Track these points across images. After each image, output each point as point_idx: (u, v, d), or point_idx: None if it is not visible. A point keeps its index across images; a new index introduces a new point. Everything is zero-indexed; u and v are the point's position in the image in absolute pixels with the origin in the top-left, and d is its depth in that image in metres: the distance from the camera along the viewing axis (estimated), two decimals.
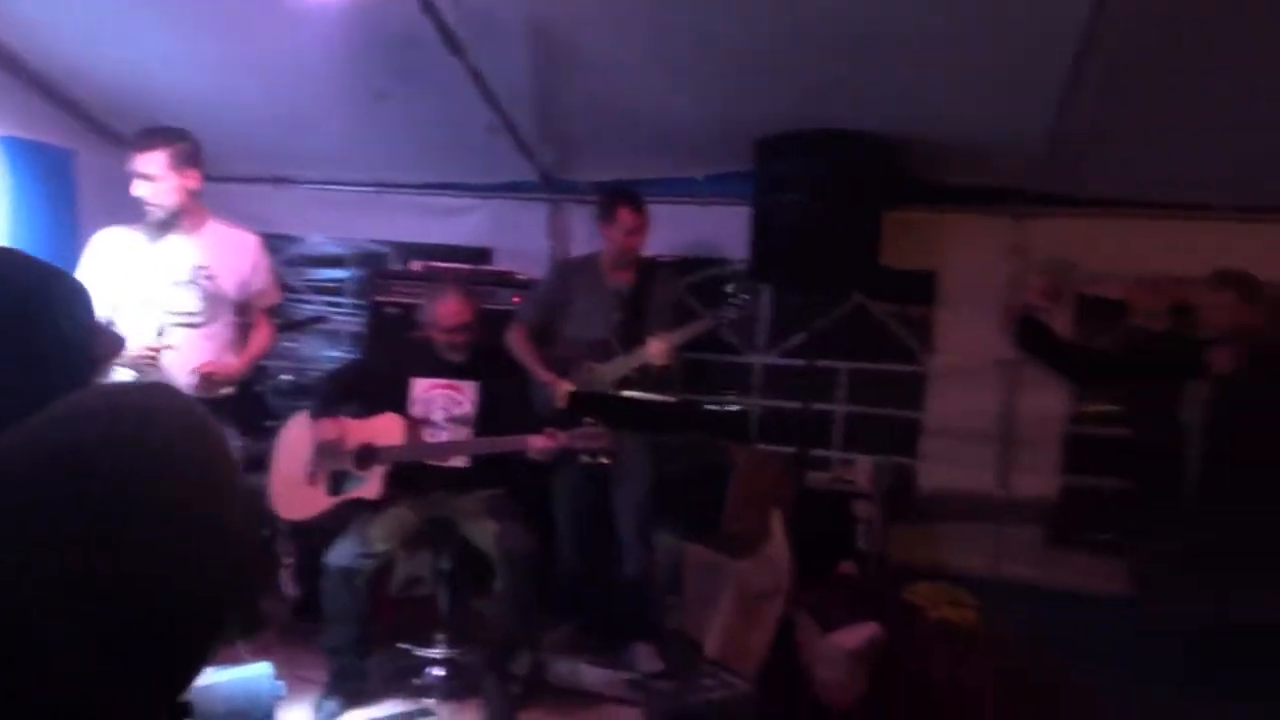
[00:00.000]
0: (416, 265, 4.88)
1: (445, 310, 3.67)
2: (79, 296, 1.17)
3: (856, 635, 3.60)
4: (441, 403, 3.70)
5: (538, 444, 3.42)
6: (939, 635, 3.81)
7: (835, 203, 4.14)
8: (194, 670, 0.76)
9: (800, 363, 4.53)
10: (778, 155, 4.25)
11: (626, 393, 3.97)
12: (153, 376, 3.13)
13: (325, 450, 3.53)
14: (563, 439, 3.46)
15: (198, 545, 0.74)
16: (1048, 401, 4.32)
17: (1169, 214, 4.19)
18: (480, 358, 3.79)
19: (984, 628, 3.86)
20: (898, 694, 3.60)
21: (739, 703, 3.41)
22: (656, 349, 3.82)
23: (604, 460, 3.60)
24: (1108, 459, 4.27)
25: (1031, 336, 4.15)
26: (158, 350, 3.24)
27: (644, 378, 3.96)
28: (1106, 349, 4.32)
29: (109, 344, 2.99)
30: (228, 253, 3.51)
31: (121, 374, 3.14)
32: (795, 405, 4.38)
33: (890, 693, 3.58)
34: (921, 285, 4.55)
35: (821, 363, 4.47)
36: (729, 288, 4.28)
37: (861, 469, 4.34)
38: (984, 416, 4.35)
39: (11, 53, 4.27)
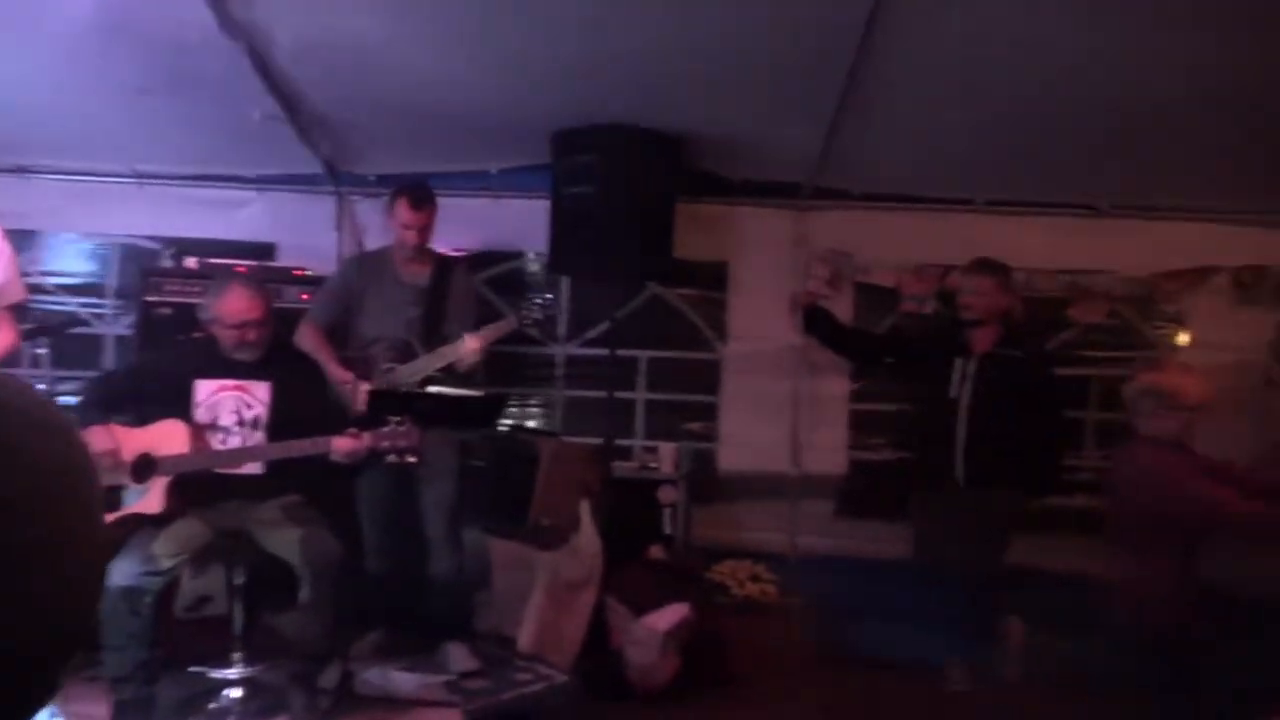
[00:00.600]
0: (191, 262, 4.53)
1: (232, 306, 3.42)
2: None
3: (667, 617, 3.68)
4: (231, 405, 3.45)
5: (343, 445, 3.27)
6: (743, 610, 3.98)
7: (629, 195, 4.22)
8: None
9: (602, 352, 4.59)
10: (574, 149, 4.27)
11: (430, 389, 3.87)
12: None
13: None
14: (368, 439, 3.32)
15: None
16: (834, 383, 4.60)
17: (934, 208, 4.56)
18: (272, 357, 3.56)
19: (784, 599, 4.07)
20: (708, 670, 3.72)
21: (556, 694, 3.40)
22: (469, 348, 3.74)
23: (410, 459, 3.48)
24: (888, 433, 4.61)
25: (815, 322, 4.40)
26: None
27: (447, 373, 3.87)
28: (882, 332, 4.66)
29: None
30: None
31: None
32: (599, 394, 4.43)
33: (700, 670, 3.69)
34: (714, 275, 4.71)
35: (622, 352, 4.55)
36: (531, 282, 4.28)
37: (665, 454, 4.45)
38: (777, 399, 4.58)
39: None
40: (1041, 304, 4.61)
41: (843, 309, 4.56)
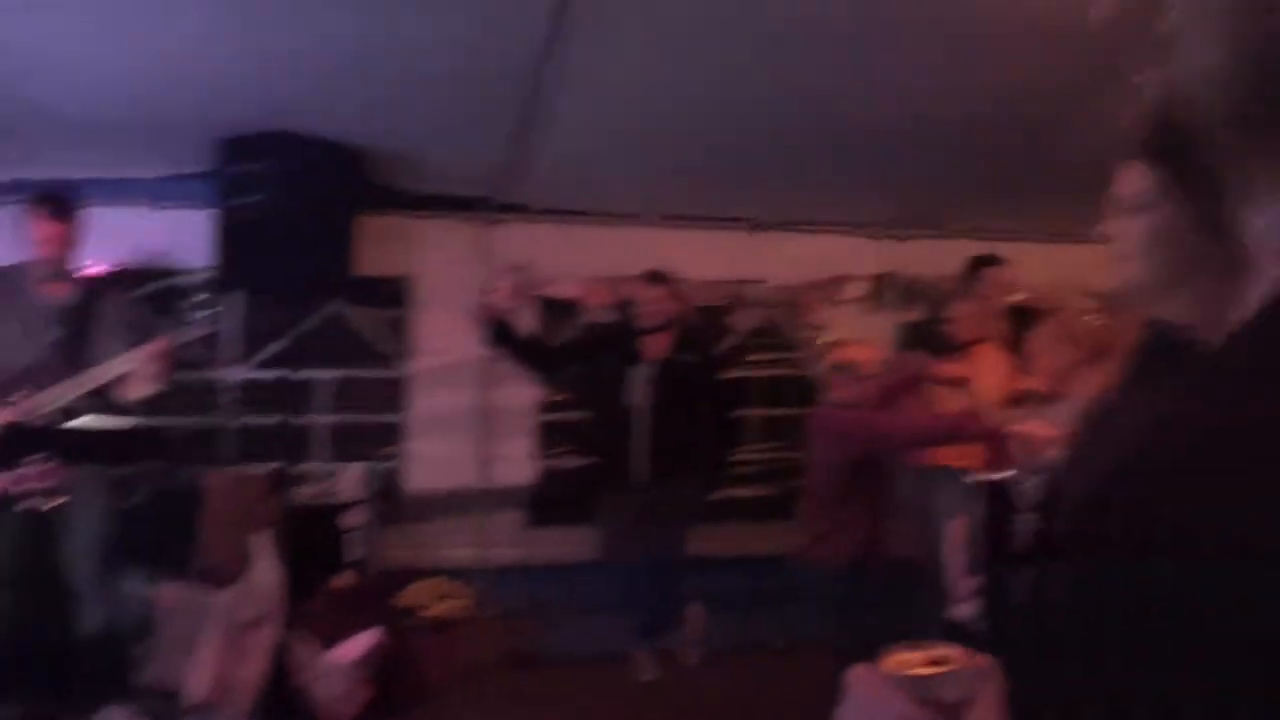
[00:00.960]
0: None
1: None
2: None
3: (356, 646, 3.56)
4: None
5: None
6: (437, 629, 3.93)
7: (307, 207, 4.04)
8: None
9: (277, 374, 4.34)
10: (242, 157, 4.02)
11: (73, 422, 3.47)
12: None
13: None
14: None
15: None
16: (520, 394, 4.66)
17: (611, 222, 4.75)
18: None
19: (478, 613, 4.07)
20: (401, 693, 3.64)
21: None
22: (123, 373, 3.39)
23: (51, 504, 3.10)
24: (574, 440, 4.75)
25: (500, 335, 4.46)
26: None
27: (98, 403, 3.50)
28: (565, 343, 4.79)
29: None
30: None
31: None
32: (274, 419, 4.19)
33: (394, 693, 3.61)
34: (398, 290, 4.62)
35: (300, 373, 4.33)
36: (194, 299, 3.94)
37: (349, 477, 4.29)
38: (464, 413, 4.56)
39: None
40: (709, 312, 4.96)
41: (526, 321, 4.64)
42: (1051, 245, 5.05)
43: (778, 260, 4.98)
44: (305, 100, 3.90)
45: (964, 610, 1.44)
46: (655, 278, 4.49)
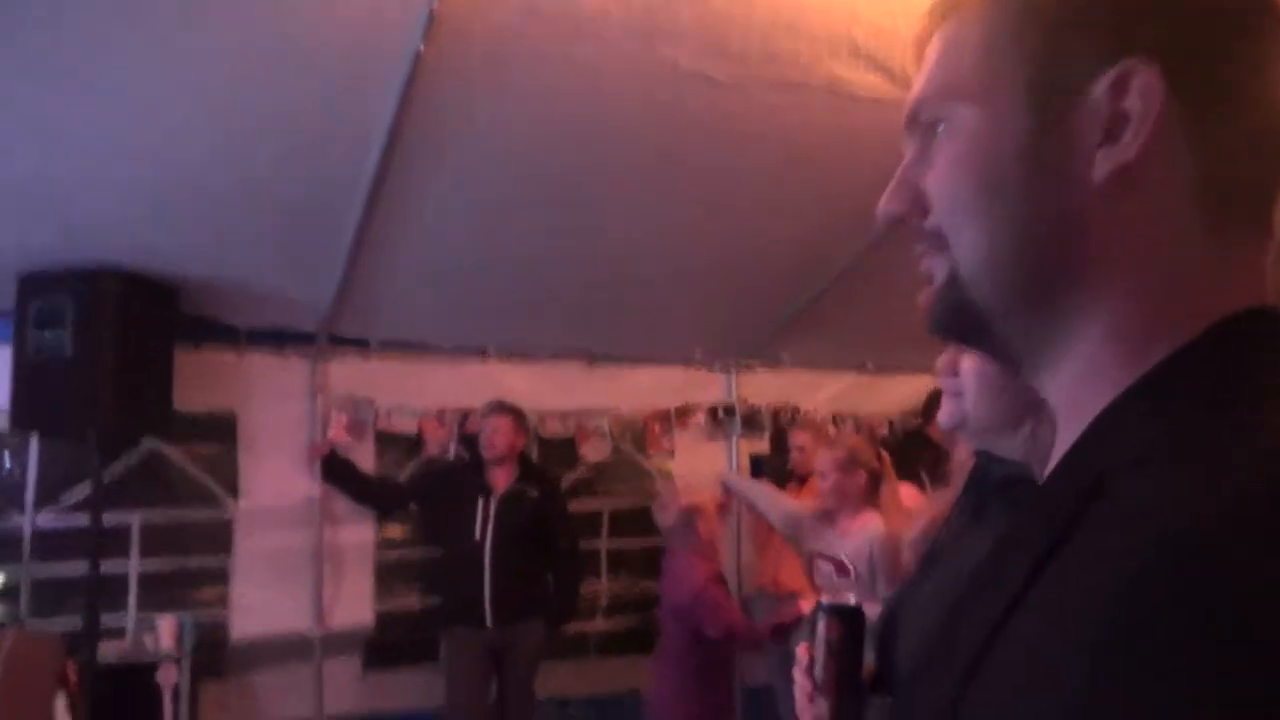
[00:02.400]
0: None
1: None
2: None
3: None
4: None
5: None
6: None
7: (114, 342, 3.82)
8: None
9: (83, 521, 3.95)
10: (45, 291, 3.79)
11: None
12: None
13: None
14: None
15: None
16: (357, 532, 4.44)
17: (451, 355, 4.70)
18: None
19: None
20: None
21: None
22: None
23: None
24: (417, 580, 4.54)
25: (335, 472, 4.29)
26: None
27: None
28: (406, 478, 4.65)
29: None
30: None
31: None
32: (79, 570, 3.80)
33: None
34: (222, 427, 4.37)
35: (110, 516, 3.97)
36: None
37: (164, 629, 3.90)
38: (296, 555, 4.29)
39: None
40: (555, 445, 4.93)
41: (364, 457, 4.48)
42: (881, 376, 5.37)
43: (617, 391, 5.05)
44: (116, 235, 3.73)
45: None
46: (499, 408, 4.46)
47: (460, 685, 4.14)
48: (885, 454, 3.53)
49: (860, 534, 3.20)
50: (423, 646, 4.35)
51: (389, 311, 4.47)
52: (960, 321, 0.63)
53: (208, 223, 3.76)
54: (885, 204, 0.66)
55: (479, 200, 3.83)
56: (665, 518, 4.01)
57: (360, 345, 4.59)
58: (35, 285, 3.78)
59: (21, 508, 4.05)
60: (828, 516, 3.42)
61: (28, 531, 4.03)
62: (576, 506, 4.88)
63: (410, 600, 4.63)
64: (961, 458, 1.93)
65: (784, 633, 3.71)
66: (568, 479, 4.92)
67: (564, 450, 4.96)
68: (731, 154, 3.73)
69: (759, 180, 3.91)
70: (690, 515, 3.89)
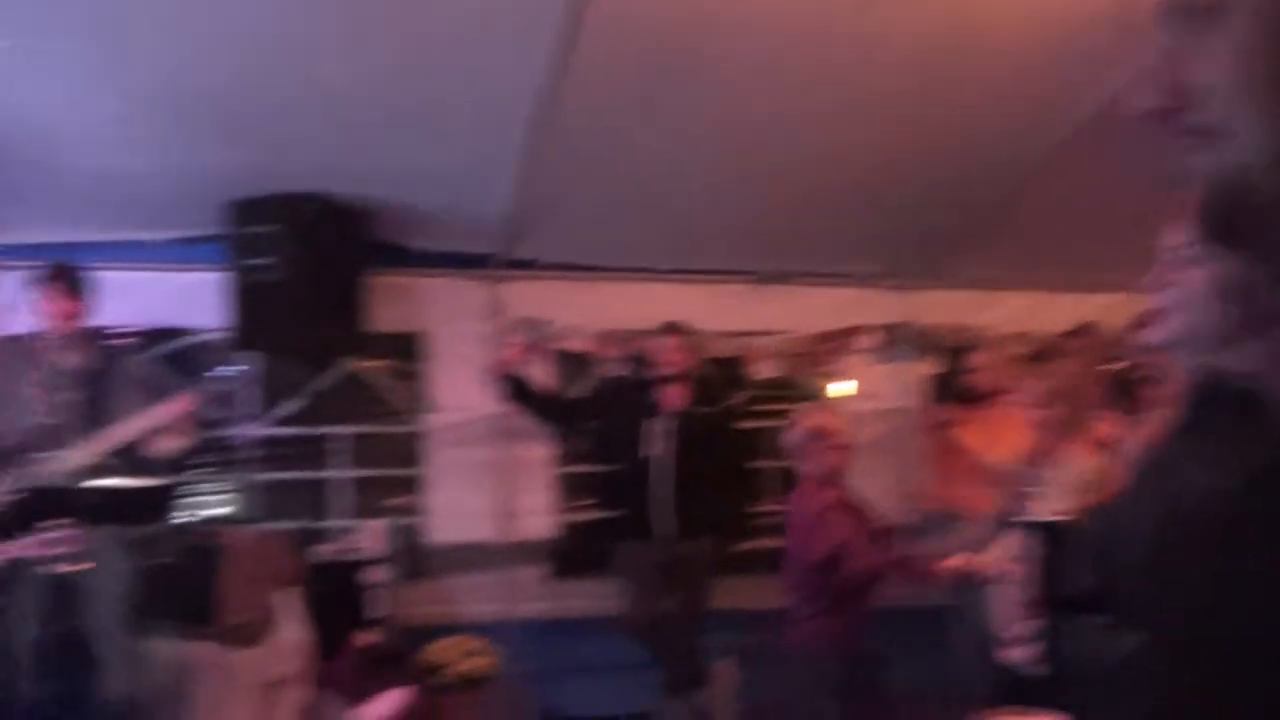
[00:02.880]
0: None
1: None
2: None
3: (382, 706, 3.51)
4: None
5: None
6: (462, 687, 3.86)
7: (316, 267, 4.08)
8: None
9: (295, 431, 4.32)
10: (252, 219, 4.07)
11: (91, 483, 3.45)
12: None
13: None
14: (15, 549, 2.89)
15: None
16: (538, 447, 4.65)
17: (622, 276, 4.80)
18: None
19: (502, 670, 4.00)
20: None
21: None
22: (140, 433, 3.36)
23: (74, 567, 3.05)
24: (593, 493, 4.73)
25: (515, 390, 4.47)
26: None
27: (112, 463, 3.48)
28: (580, 397, 4.81)
29: None
30: None
31: None
32: (293, 476, 4.16)
33: None
34: (411, 346, 4.64)
35: (318, 430, 4.31)
36: (211, 360, 3.97)
37: (370, 534, 4.25)
38: (483, 467, 4.55)
39: None
40: (724, 365, 4.99)
41: (540, 375, 4.66)
42: (1059, 294, 5.14)
43: (787, 312, 5.03)
44: (313, 161, 3.95)
45: (1018, 655, 1.42)
46: (670, 329, 4.52)
47: (633, 596, 4.30)
48: (1093, 379, 3.39)
49: (1069, 464, 3.11)
50: (602, 557, 4.55)
51: (564, 234, 4.59)
52: (1240, 218, 0.61)
53: (395, 149, 3.93)
54: (1138, 97, 0.63)
55: (652, 123, 3.86)
56: (789, 440, 3.94)
57: (536, 267, 4.75)
58: (245, 212, 4.05)
59: (246, 420, 4.45)
60: (1041, 452, 3.31)
61: (251, 440, 4.44)
62: (745, 426, 4.94)
63: (589, 513, 4.84)
64: (1172, 376, 1.86)
65: (919, 575, 3.63)
66: (736, 399, 4.97)
67: (733, 370, 5.01)
68: (902, 59, 3.60)
69: (930, 86, 3.76)
70: (812, 439, 3.80)
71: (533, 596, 4.55)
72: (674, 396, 4.48)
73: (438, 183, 4.16)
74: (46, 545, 2.95)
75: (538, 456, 4.67)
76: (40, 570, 3.10)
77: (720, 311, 4.91)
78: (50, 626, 3.38)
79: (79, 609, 3.40)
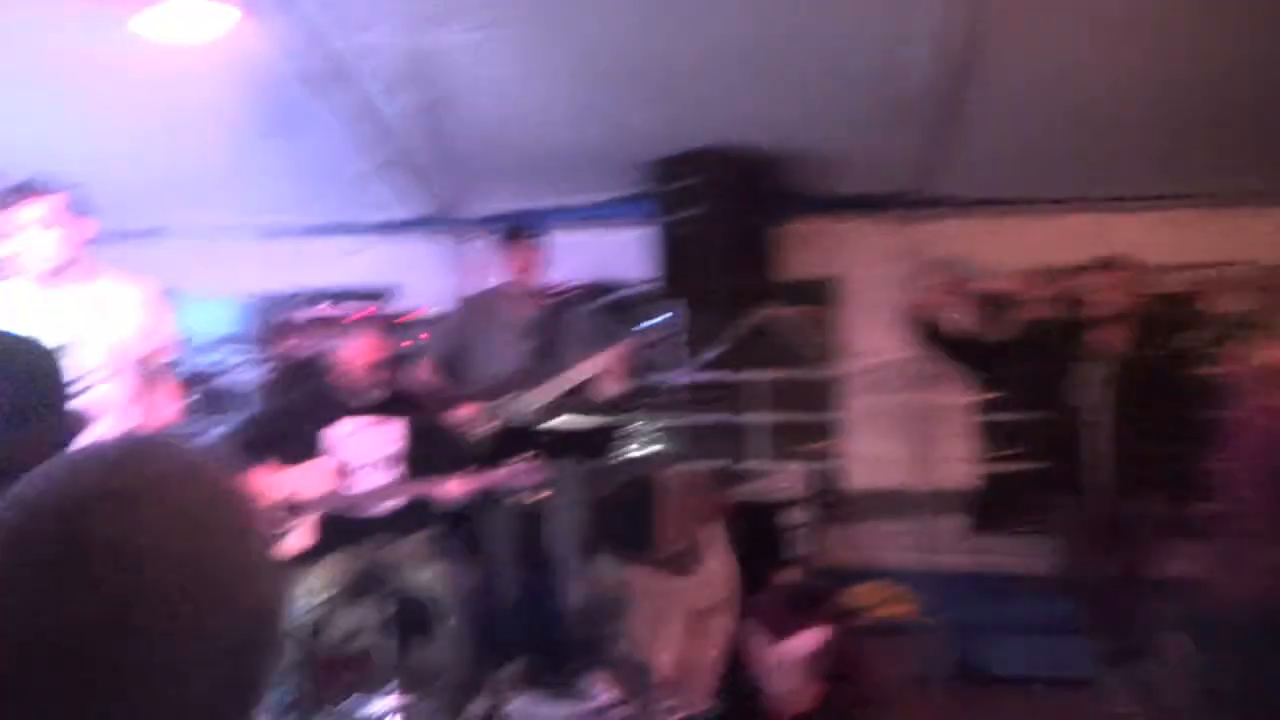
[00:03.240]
0: (315, 310, 4.70)
1: (359, 349, 3.55)
2: (51, 360, 1.12)
3: (805, 642, 3.62)
4: (365, 444, 3.54)
5: (451, 490, 3.33)
6: (882, 633, 3.88)
7: (734, 217, 4.23)
8: None
9: (717, 376, 4.57)
10: (675, 174, 4.32)
11: (551, 423, 3.91)
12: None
13: None
14: (487, 480, 3.37)
15: (211, 592, 0.69)
16: (956, 394, 4.48)
17: (1050, 209, 4.43)
18: (398, 396, 3.67)
19: (922, 620, 3.96)
20: (847, 696, 3.63)
21: None
22: (588, 376, 3.76)
23: (536, 497, 3.49)
24: (1020, 443, 4.46)
25: (932, 333, 4.32)
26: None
27: (566, 404, 3.91)
28: (1002, 339, 4.53)
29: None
30: (121, 306, 3.27)
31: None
32: (717, 418, 4.42)
33: (839, 696, 3.61)
34: (825, 292, 4.67)
35: (739, 374, 4.52)
36: (643, 310, 4.30)
37: (790, 476, 4.39)
38: (899, 413, 4.49)
39: None
40: (1170, 301, 4.43)
41: (958, 318, 4.46)
42: None
43: (1248, 239, 4.33)
44: (725, 113, 4.07)
45: None
46: (1106, 265, 4.09)
47: (1069, 557, 4.01)
48: None
49: None
50: (1026, 510, 4.29)
51: (982, 168, 4.33)
52: None
53: (805, 95, 3.93)
54: None
55: (1068, 45, 3.48)
56: (1232, 377, 3.36)
57: (951, 204, 4.53)
58: (668, 167, 4.31)
59: (676, 365, 4.80)
60: None
61: (677, 386, 4.79)
62: (1199, 371, 4.35)
63: (1013, 464, 4.58)
64: None
65: None
66: (1188, 340, 4.40)
67: (1184, 308, 4.43)
68: None
69: None
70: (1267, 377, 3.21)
71: (952, 548, 4.42)
72: (1111, 339, 4.07)
73: (848, 125, 4.12)
74: (515, 477, 3.39)
75: (956, 403, 4.49)
76: (509, 499, 3.58)
77: (1166, 242, 4.35)
78: (519, 541, 3.93)
79: (540, 532, 3.91)
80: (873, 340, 4.56)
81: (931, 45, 3.49)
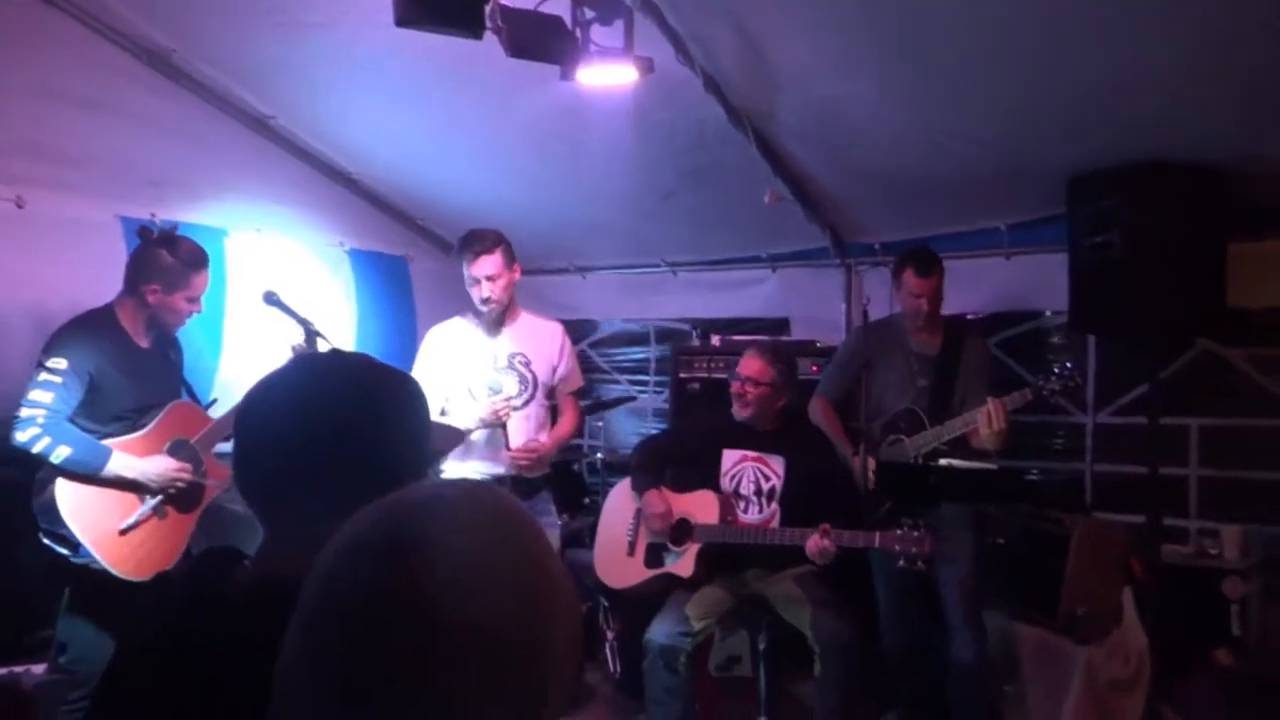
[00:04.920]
0: (715, 340, 4.93)
1: (744, 368, 3.67)
2: (420, 397, 1.26)
3: None
4: (750, 475, 3.64)
5: (813, 545, 3.29)
6: None
7: (1166, 240, 3.71)
8: None
9: (1139, 420, 4.03)
10: (1092, 195, 3.89)
11: (941, 462, 3.71)
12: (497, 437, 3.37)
13: (646, 521, 3.62)
14: (872, 540, 3.28)
15: (521, 624, 0.73)
16: None
17: None
18: (788, 430, 3.71)
19: None
20: None
21: None
22: (983, 419, 3.50)
23: (921, 566, 3.30)
24: None
25: None
26: (507, 408, 3.42)
27: (959, 446, 3.69)
28: None
29: (447, 438, 3.22)
30: (539, 340, 3.70)
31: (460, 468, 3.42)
32: (1138, 469, 3.89)
33: None
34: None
35: (1166, 420, 3.95)
36: (1053, 343, 3.94)
37: (1229, 539, 3.75)
38: None
39: (348, 175, 4.85)
40: None
41: None
42: None
43: None
44: (1158, 126, 3.58)
45: None
46: None
47: None
48: None
49: None
50: None
51: None
52: None
53: (1250, 95, 3.34)
54: None
55: None
56: None
57: None
58: (1084, 187, 3.90)
59: (1083, 407, 4.34)
60: None
61: (1089, 428, 4.31)
62: None
63: None
64: None
65: None
66: None
67: None
68: None
69: None
70: None
71: None
72: None
73: None
74: (905, 543, 3.20)
75: None
76: (899, 564, 3.35)
77: None
78: (905, 589, 3.74)
79: (930, 576, 3.70)
80: None
81: None
